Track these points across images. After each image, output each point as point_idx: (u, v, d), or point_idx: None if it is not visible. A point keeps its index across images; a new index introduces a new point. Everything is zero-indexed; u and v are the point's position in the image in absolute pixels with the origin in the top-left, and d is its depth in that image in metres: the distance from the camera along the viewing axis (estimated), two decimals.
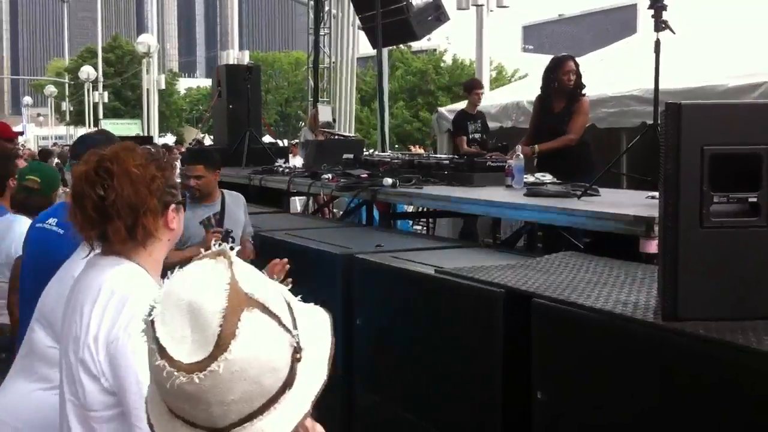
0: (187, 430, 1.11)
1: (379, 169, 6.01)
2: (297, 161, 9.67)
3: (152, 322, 1.09)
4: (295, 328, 1.14)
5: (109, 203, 1.80)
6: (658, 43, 4.44)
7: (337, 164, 6.69)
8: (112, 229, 1.82)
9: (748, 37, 7.83)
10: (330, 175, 6.11)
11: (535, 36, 76.38)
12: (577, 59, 6.09)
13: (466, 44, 23.62)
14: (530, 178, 5.22)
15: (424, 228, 8.51)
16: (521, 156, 5.14)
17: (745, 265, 2.11)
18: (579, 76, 5.80)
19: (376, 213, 6.87)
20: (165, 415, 1.14)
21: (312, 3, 15.25)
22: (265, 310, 1.08)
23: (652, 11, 4.39)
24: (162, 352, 1.06)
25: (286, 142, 13.19)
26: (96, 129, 4.87)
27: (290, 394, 1.12)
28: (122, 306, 1.76)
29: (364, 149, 9.53)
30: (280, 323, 1.10)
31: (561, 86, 5.77)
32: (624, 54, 9.76)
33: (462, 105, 8.90)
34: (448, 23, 12.40)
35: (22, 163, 5.20)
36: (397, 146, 29.96)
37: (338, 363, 3.84)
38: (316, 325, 1.23)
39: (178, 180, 2.09)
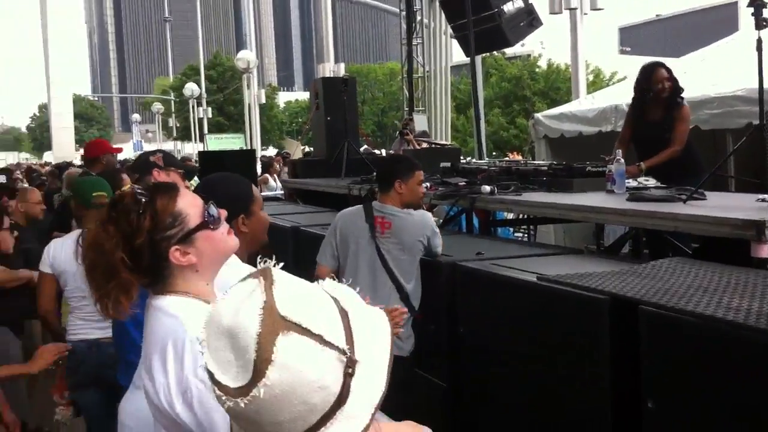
0: None
1: (476, 177, 6.00)
2: None
3: (201, 345, 1.12)
4: (350, 341, 1.12)
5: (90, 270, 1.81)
6: (759, 42, 4.29)
7: (434, 173, 6.72)
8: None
9: None
10: (428, 184, 6.14)
11: (632, 37, 74.55)
12: (677, 60, 5.92)
13: (561, 48, 23.29)
14: (633, 183, 5.13)
15: (525, 235, 8.44)
16: (622, 160, 5.05)
17: None
18: (674, 81, 5.64)
19: (476, 220, 6.87)
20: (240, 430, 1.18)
21: (404, 14, 15.37)
22: (304, 331, 1.07)
23: (752, 9, 4.25)
24: (211, 377, 1.10)
25: (383, 151, 13.35)
26: (156, 149, 5.04)
27: (346, 408, 1.11)
28: (182, 352, 1.74)
29: (461, 157, 9.52)
30: (323, 342, 1.08)
31: (656, 96, 5.63)
32: (726, 53, 9.42)
33: (561, 109, 8.73)
34: (542, 28, 12.27)
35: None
36: (494, 153, 29.77)
37: (443, 371, 3.89)
38: (375, 333, 1.18)
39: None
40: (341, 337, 1.11)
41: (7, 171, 8.29)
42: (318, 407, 1.08)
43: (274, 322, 1.06)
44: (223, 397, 1.08)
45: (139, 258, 1.79)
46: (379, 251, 4.09)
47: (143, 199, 1.82)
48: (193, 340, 1.73)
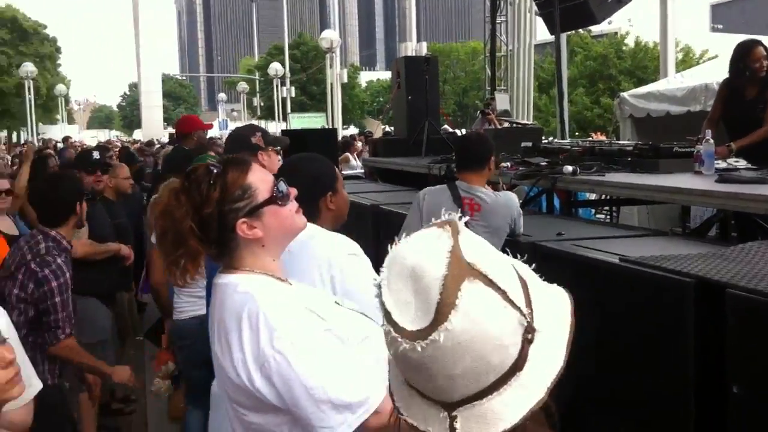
0: (421, 401, 1.09)
1: (558, 157, 5.91)
2: None
3: (380, 286, 1.07)
4: (529, 306, 1.06)
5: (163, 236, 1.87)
6: None
7: (515, 152, 6.65)
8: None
9: None
10: (509, 164, 6.09)
11: (724, 14, 71.66)
12: None
13: (650, 26, 22.62)
14: (722, 164, 4.97)
15: (607, 216, 8.29)
16: (711, 140, 4.89)
17: None
18: None
19: (556, 201, 6.78)
20: (402, 384, 1.12)
21: None
22: (489, 282, 1.02)
23: None
24: (388, 317, 1.05)
25: (464, 131, 13.30)
26: (247, 124, 5.06)
27: (522, 376, 1.04)
28: (256, 325, 1.76)
29: (543, 137, 9.40)
30: (506, 298, 1.03)
31: (753, 74, 5.44)
32: None
33: (648, 88, 8.52)
34: (630, 4, 11.93)
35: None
36: (577, 134, 29.27)
37: None
38: (555, 307, 1.13)
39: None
40: (522, 301, 1.06)
41: (104, 148, 8.51)
42: (494, 367, 1.03)
43: (461, 268, 1.01)
44: (399, 339, 1.02)
45: (207, 228, 1.83)
46: None
47: (215, 171, 1.86)
48: (266, 313, 1.76)
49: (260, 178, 1.89)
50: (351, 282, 2.33)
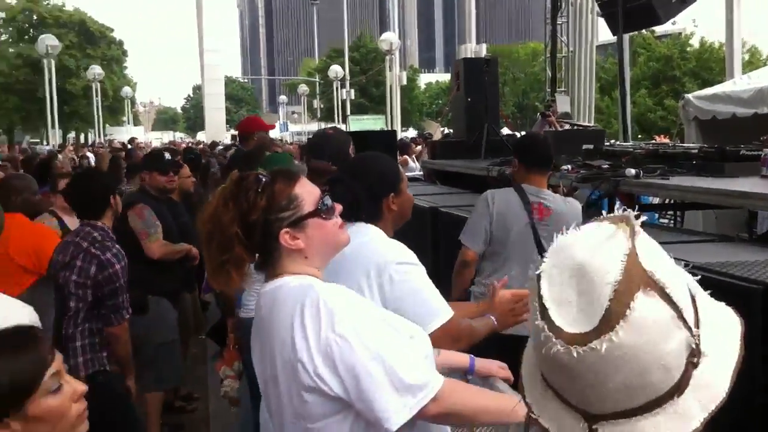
0: (558, 405, 1.01)
1: (621, 160, 5.82)
2: None
3: (538, 276, 0.98)
4: (698, 326, 0.97)
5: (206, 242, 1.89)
6: None
7: (576, 155, 6.57)
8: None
9: None
10: (569, 166, 6.01)
11: None
12: None
13: (715, 26, 22.10)
14: None
15: (671, 221, 8.12)
16: None
17: None
18: None
19: (619, 205, 6.67)
20: (539, 383, 1.04)
21: None
22: (665, 296, 0.93)
23: None
24: (543, 312, 0.96)
25: (523, 133, 13.17)
26: (331, 126, 4.99)
27: (679, 401, 0.96)
28: (317, 311, 1.78)
29: (605, 139, 9.26)
30: (680, 316, 0.94)
31: None
32: None
33: (714, 90, 8.32)
34: (695, 4, 11.66)
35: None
36: (639, 136, 28.75)
37: None
38: (723, 330, 1.02)
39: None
40: (692, 320, 0.96)
41: (173, 151, 8.62)
42: (651, 388, 0.94)
43: (637, 275, 0.92)
44: (553, 339, 0.94)
45: (251, 235, 1.86)
46: (538, 240, 3.85)
47: (264, 180, 1.90)
48: (326, 300, 1.79)
49: (307, 191, 1.93)
50: (401, 292, 2.32)
